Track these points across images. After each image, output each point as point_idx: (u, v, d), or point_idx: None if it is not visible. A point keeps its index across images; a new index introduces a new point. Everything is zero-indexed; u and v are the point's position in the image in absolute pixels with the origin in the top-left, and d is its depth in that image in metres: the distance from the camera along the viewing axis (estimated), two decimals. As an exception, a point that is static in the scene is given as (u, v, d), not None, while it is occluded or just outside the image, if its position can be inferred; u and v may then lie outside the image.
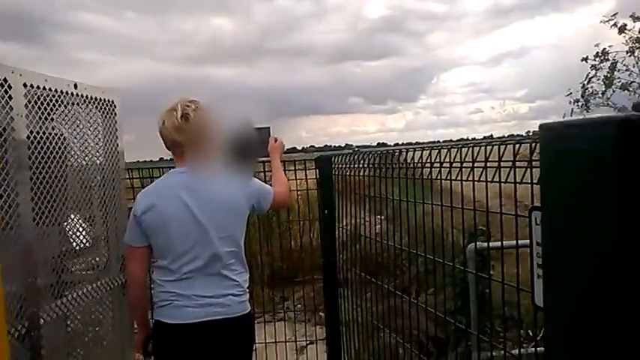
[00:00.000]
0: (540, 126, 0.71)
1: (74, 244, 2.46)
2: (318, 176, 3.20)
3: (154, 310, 2.12)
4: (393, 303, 2.52)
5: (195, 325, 2.01)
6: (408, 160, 2.25)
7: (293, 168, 3.25)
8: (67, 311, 2.19)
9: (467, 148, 1.71)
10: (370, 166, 2.62)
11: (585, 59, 3.81)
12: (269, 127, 2.75)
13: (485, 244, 2.35)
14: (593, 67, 3.75)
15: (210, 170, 2.12)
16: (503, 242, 1.87)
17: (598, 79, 3.75)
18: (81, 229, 2.50)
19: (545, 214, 0.73)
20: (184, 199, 2.04)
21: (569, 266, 0.69)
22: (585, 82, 3.80)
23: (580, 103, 3.81)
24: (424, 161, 2.02)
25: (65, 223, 2.36)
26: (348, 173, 2.88)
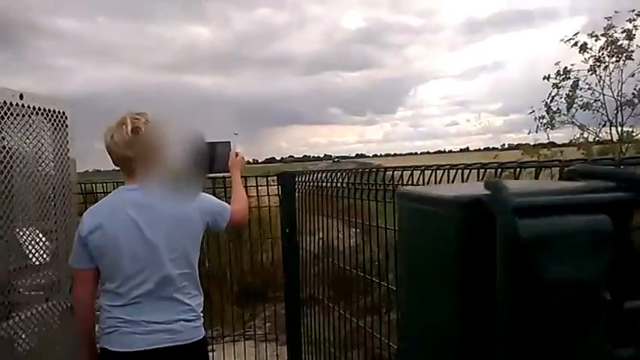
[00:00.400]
0: (397, 193, 0.66)
1: (20, 262, 2.34)
2: (280, 193, 3.13)
3: (100, 338, 2.00)
4: (349, 327, 2.45)
5: (144, 353, 1.89)
6: (371, 181, 2.21)
7: (255, 184, 3.17)
8: (9, 336, 2.06)
9: (419, 172, 1.67)
10: (334, 185, 2.56)
11: (547, 77, 3.85)
12: (229, 142, 2.67)
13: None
14: (555, 85, 3.79)
15: (162, 187, 2.02)
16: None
17: (561, 97, 3.79)
18: (28, 246, 2.38)
19: (398, 277, 0.68)
20: (134, 217, 1.93)
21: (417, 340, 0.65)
22: (548, 101, 3.83)
23: (544, 121, 3.83)
24: (385, 183, 1.98)
25: (10, 240, 2.24)
26: (312, 191, 2.81)
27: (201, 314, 2.07)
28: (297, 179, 3.00)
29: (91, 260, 1.96)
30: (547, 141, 3.95)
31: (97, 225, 1.93)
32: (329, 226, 2.79)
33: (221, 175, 2.75)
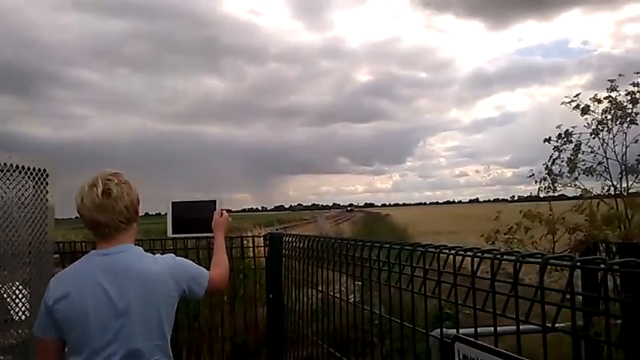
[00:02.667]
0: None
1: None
2: (266, 254, 3.00)
3: None
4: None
5: None
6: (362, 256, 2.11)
7: (239, 245, 3.04)
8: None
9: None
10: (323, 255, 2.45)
11: (548, 140, 3.77)
12: (215, 200, 2.58)
13: (452, 330, 2.16)
14: (556, 148, 3.71)
15: (135, 252, 1.92)
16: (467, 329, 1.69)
17: (562, 161, 3.70)
18: (8, 300, 2.29)
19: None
20: (104, 285, 1.81)
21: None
22: (549, 164, 3.74)
23: (546, 184, 3.73)
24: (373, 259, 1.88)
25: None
26: (299, 255, 2.68)
27: None
28: (285, 242, 2.86)
29: (56, 330, 1.81)
30: (557, 193, 3.84)
31: (65, 294, 1.80)
32: (320, 296, 2.65)
33: (205, 235, 2.65)
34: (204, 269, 2.12)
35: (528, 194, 4.01)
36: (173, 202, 2.61)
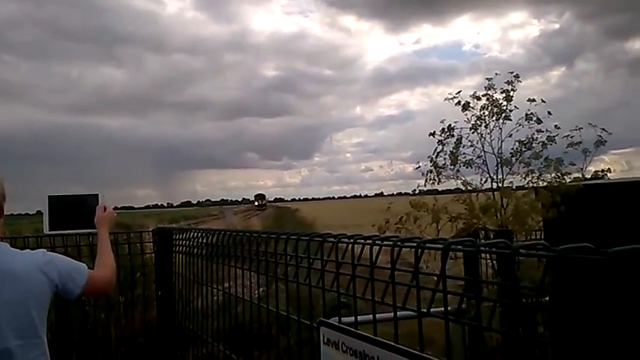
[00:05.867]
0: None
1: None
2: (155, 250, 2.91)
3: None
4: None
5: None
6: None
7: (127, 241, 2.93)
8: None
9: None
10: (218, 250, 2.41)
11: (432, 134, 4.03)
12: (97, 194, 2.46)
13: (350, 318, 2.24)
14: (440, 142, 3.98)
15: (1, 248, 1.79)
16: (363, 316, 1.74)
17: (445, 154, 3.97)
18: None
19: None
20: None
21: None
22: (434, 157, 4.00)
23: (432, 175, 3.98)
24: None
25: None
26: (191, 252, 2.62)
27: None
28: (176, 237, 2.78)
29: None
30: (454, 187, 4.10)
31: None
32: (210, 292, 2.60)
33: (86, 231, 2.51)
34: (83, 266, 2.01)
35: (427, 188, 4.20)
36: (50, 196, 2.46)
